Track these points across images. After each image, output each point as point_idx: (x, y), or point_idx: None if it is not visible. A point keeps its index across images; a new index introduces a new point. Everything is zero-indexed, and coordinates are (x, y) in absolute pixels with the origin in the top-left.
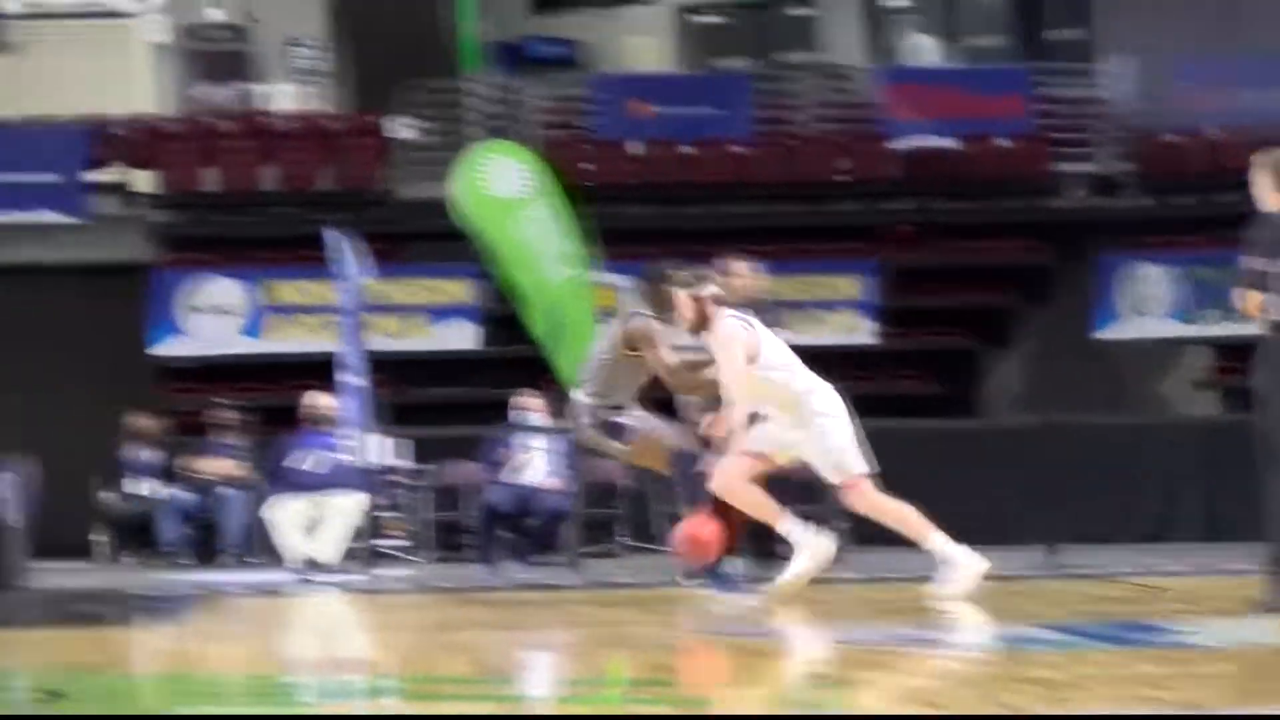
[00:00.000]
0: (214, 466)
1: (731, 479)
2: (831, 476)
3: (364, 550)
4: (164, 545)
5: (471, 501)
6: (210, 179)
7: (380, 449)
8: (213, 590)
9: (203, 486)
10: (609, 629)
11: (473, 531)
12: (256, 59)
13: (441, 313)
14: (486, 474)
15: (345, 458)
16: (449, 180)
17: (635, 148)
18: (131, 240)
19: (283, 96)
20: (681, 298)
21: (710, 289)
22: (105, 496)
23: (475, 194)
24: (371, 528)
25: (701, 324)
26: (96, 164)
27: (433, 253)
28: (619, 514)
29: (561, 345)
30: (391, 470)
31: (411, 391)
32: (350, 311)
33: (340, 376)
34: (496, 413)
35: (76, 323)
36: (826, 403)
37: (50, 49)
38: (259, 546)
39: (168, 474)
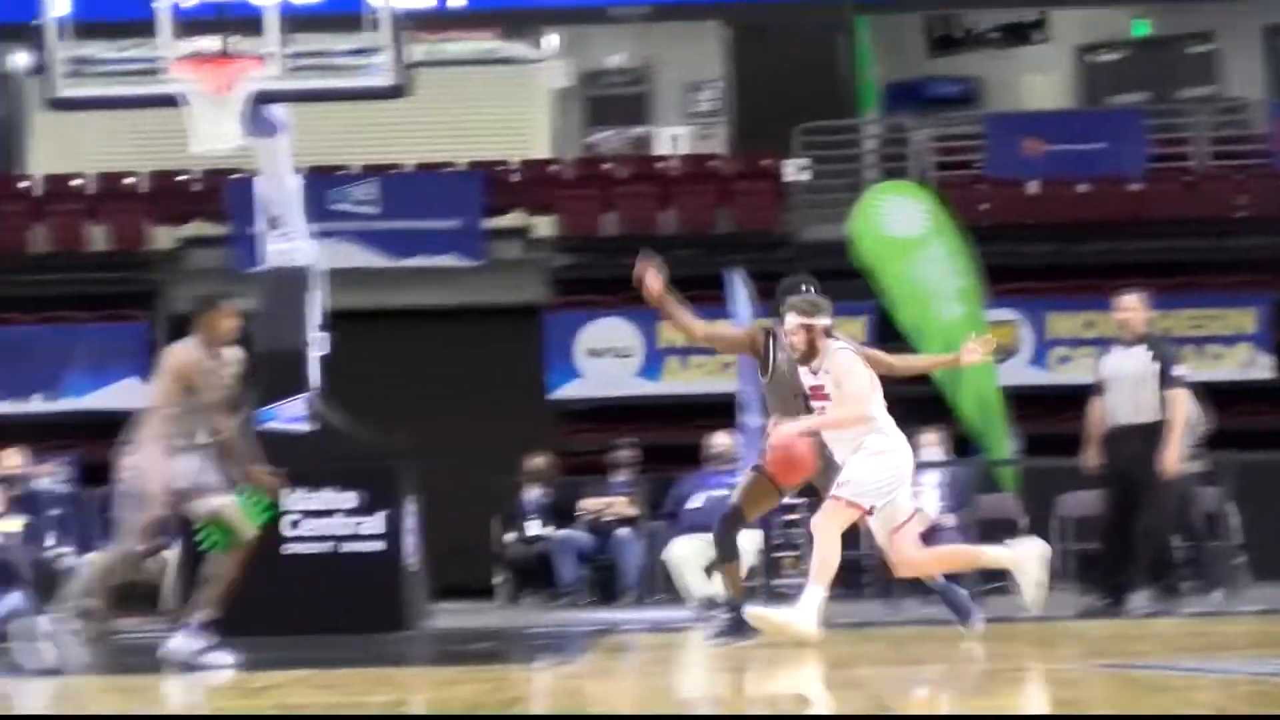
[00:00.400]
0: (611, 507)
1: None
2: (833, 488)
3: (762, 588)
4: (562, 585)
5: (869, 537)
6: (608, 223)
7: None
8: (612, 629)
9: (600, 527)
10: (1005, 663)
11: (870, 569)
12: (654, 103)
13: None
14: None
15: None
16: (846, 220)
17: (1030, 186)
18: (530, 283)
19: (679, 140)
20: (791, 324)
21: (824, 320)
22: (505, 538)
23: (872, 233)
24: (768, 566)
25: (811, 354)
26: (496, 209)
27: (828, 292)
28: None
29: (958, 382)
30: (787, 509)
31: None
32: None
33: (740, 417)
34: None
35: (476, 365)
36: (890, 441)
37: (451, 96)
38: (658, 585)
39: (563, 514)
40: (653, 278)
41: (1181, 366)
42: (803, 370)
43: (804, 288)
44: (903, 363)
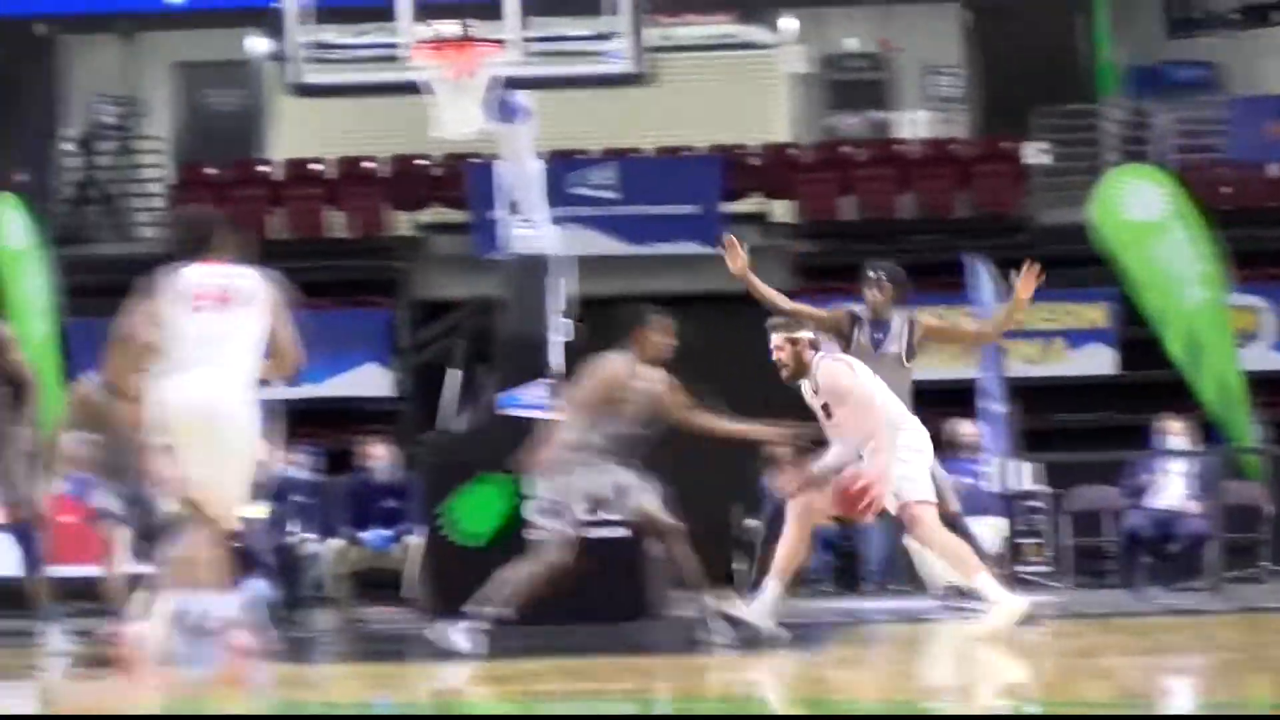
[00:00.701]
0: None
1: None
2: (890, 505)
3: (1005, 576)
4: (805, 573)
5: (1111, 526)
6: (847, 208)
7: (1018, 475)
8: (855, 618)
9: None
10: (1253, 654)
11: (1113, 556)
12: (892, 87)
13: (1079, 338)
14: (1126, 499)
15: (985, 484)
16: (1086, 205)
17: (1272, 169)
18: (769, 269)
19: (918, 124)
20: (775, 340)
21: (806, 334)
22: (747, 524)
23: (1113, 218)
24: (1012, 554)
25: (799, 370)
26: (734, 195)
27: (1069, 278)
28: (1262, 538)
29: (1200, 368)
30: (1030, 496)
31: (1049, 416)
32: None
33: (981, 403)
34: (1131, 437)
35: (714, 351)
36: (913, 438)
37: (688, 81)
38: (902, 574)
39: None
40: (735, 254)
41: None
42: (805, 393)
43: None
44: (980, 326)
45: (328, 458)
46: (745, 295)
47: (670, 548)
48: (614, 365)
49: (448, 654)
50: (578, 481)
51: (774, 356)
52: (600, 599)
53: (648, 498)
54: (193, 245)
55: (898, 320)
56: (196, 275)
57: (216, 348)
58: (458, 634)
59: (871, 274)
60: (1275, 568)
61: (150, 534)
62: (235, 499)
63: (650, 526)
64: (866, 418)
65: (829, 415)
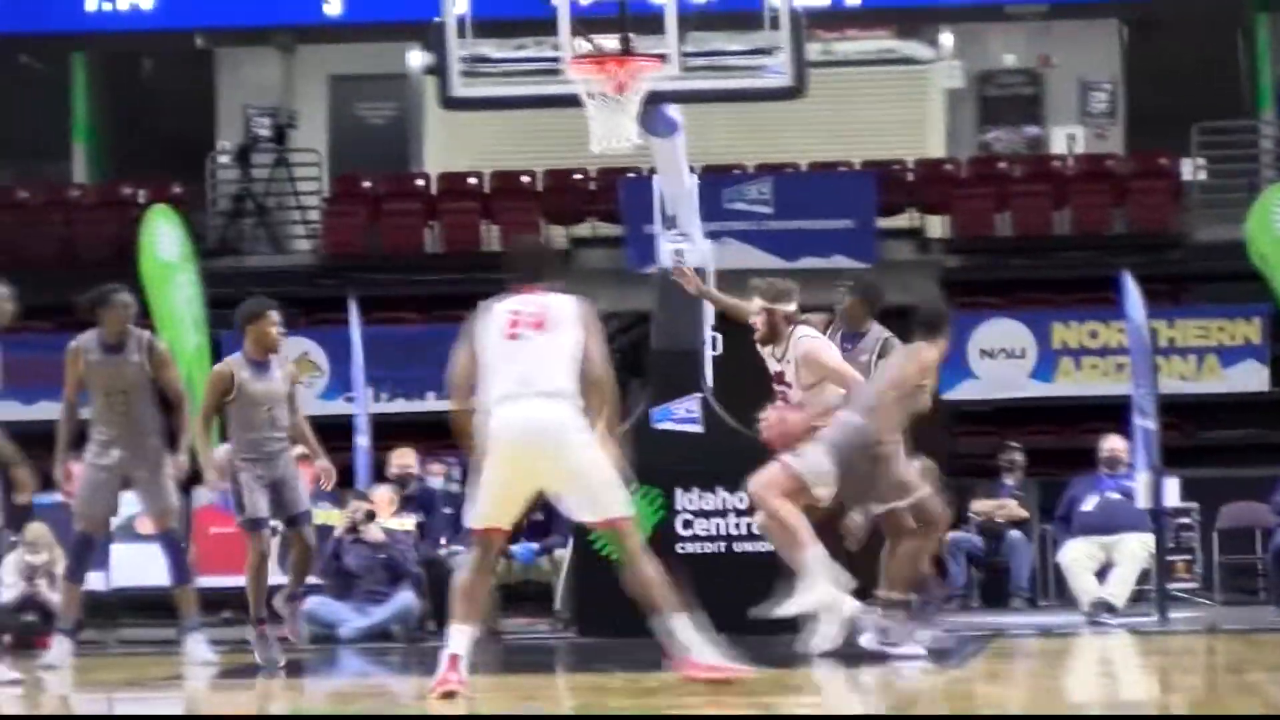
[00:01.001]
0: (1003, 509)
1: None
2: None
3: (1153, 592)
4: (952, 587)
5: (1262, 543)
6: (1001, 224)
7: (1168, 491)
8: (1000, 632)
9: (991, 529)
10: None
11: (1264, 574)
12: (1048, 102)
13: (1231, 354)
14: (1276, 515)
15: (1135, 500)
16: (1241, 221)
17: None
18: (919, 284)
19: (1074, 139)
20: (756, 305)
21: (788, 306)
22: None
23: (1268, 234)
24: (1160, 570)
25: (771, 336)
26: (888, 210)
27: (1223, 294)
28: None
29: None
30: (1179, 512)
31: (1199, 433)
32: (1140, 354)
33: (1132, 419)
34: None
35: None
36: None
37: (844, 96)
38: (1048, 589)
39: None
40: (687, 280)
41: None
42: (766, 354)
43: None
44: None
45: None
46: (895, 309)
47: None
48: (927, 353)
49: (591, 666)
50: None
51: (751, 319)
52: (746, 611)
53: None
54: (526, 274)
55: (873, 335)
56: (512, 304)
57: (538, 372)
58: (868, 636)
59: (843, 287)
60: None
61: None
62: (615, 501)
63: (925, 517)
64: (851, 377)
65: (787, 384)
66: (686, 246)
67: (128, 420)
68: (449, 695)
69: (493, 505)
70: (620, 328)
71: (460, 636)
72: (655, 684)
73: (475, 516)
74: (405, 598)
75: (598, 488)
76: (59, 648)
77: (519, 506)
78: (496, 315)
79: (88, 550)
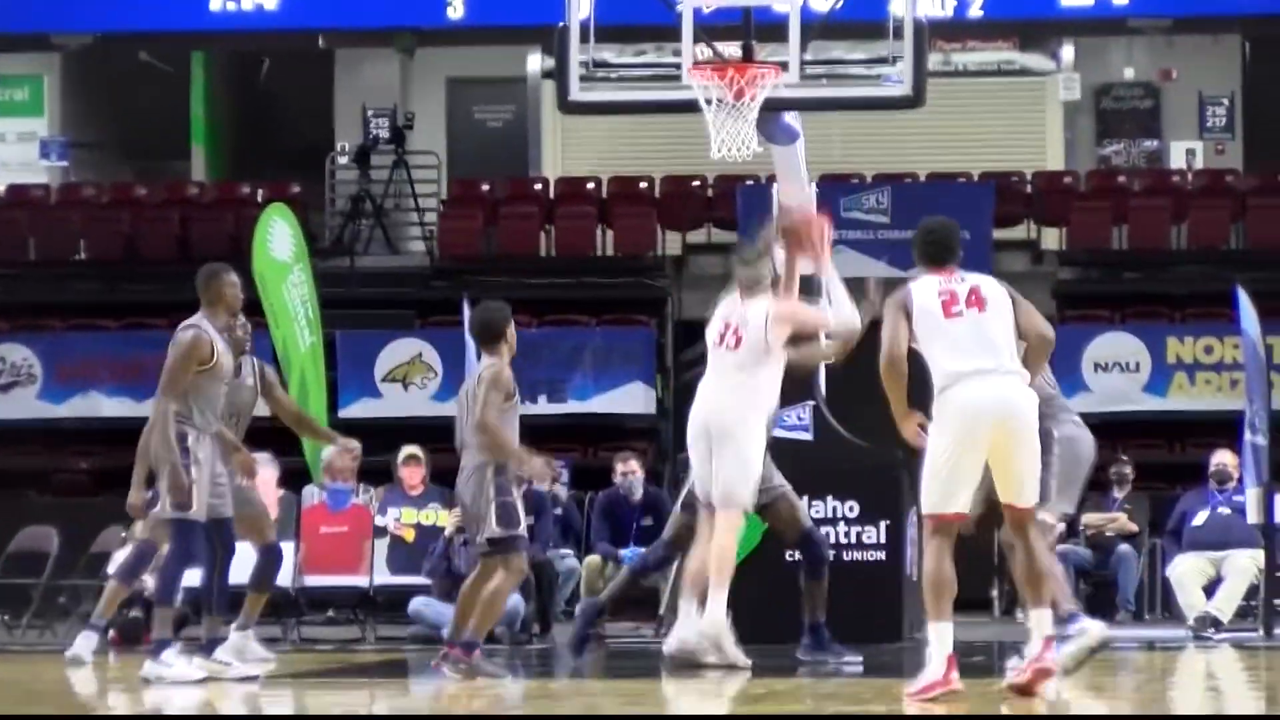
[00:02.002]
0: (1114, 523)
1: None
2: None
3: (1261, 607)
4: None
5: None
6: (1118, 237)
7: (1279, 507)
8: (1108, 645)
9: (1101, 542)
10: None
11: None
12: (1167, 116)
13: None
14: None
15: (1245, 515)
16: None
17: None
18: (1035, 296)
19: (1192, 154)
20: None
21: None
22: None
23: None
24: (1269, 586)
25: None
26: (1005, 221)
27: None
28: None
29: None
30: None
31: None
32: (1254, 370)
33: (1244, 435)
34: None
35: None
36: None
37: (963, 107)
38: (1154, 603)
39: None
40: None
41: None
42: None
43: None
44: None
45: (588, 473)
46: None
47: None
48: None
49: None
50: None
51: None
52: (856, 620)
53: None
54: (945, 256)
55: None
56: (938, 284)
57: (988, 349)
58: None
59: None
60: None
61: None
62: (1034, 491)
63: None
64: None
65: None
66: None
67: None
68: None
69: (957, 486)
70: None
71: (946, 633)
72: (764, 689)
73: (938, 501)
74: (511, 600)
75: (1030, 475)
76: (84, 641)
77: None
78: (925, 294)
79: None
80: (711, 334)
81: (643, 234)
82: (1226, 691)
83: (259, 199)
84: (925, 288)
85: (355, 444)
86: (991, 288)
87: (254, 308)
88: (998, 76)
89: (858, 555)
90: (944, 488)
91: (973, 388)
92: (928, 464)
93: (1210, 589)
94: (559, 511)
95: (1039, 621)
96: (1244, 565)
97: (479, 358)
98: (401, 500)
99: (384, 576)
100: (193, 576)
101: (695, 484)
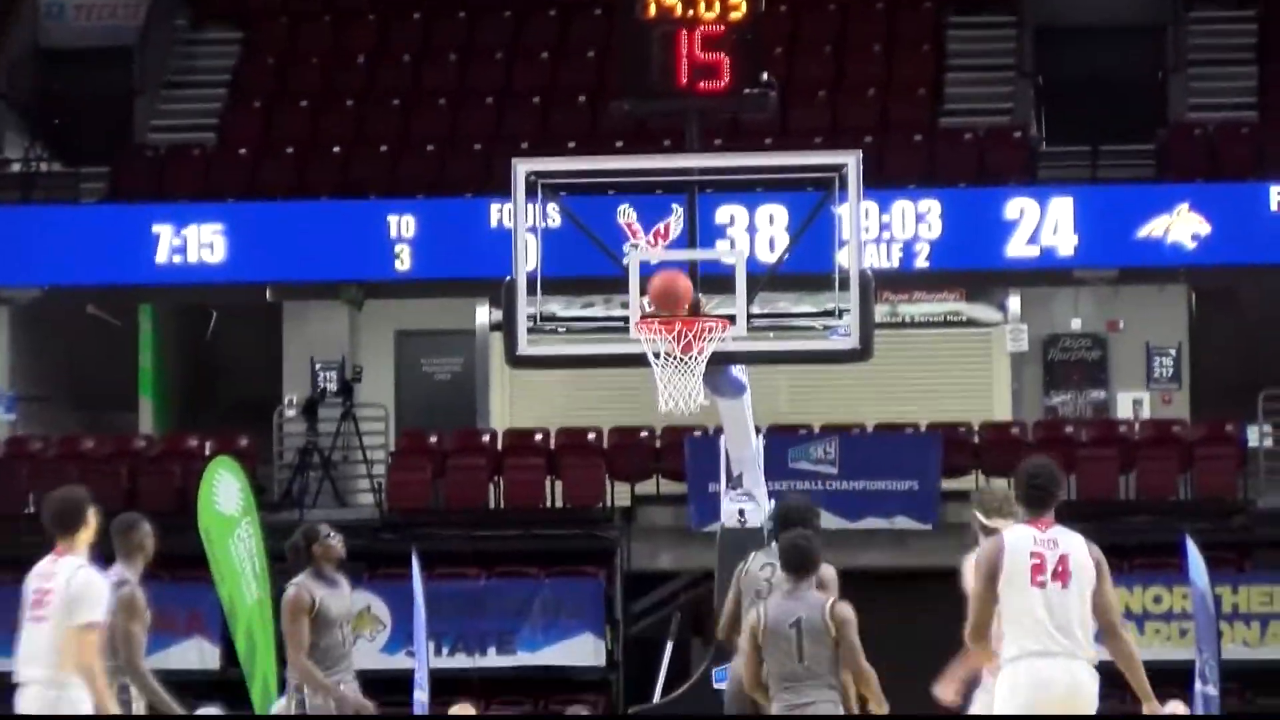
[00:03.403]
0: None
1: None
2: None
3: None
4: None
5: None
6: (1066, 487)
7: None
8: None
9: None
10: None
11: None
12: (1114, 366)
13: None
14: None
15: None
16: None
17: None
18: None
19: (1139, 404)
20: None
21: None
22: None
23: None
24: None
25: None
26: (952, 471)
27: None
28: None
29: None
30: None
31: (1259, 699)
32: (1204, 620)
33: (1194, 685)
34: None
35: (925, 629)
36: None
37: (911, 357)
38: None
39: None
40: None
41: None
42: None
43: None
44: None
45: None
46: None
47: None
48: None
49: None
50: None
51: None
52: None
53: None
54: (1033, 504)
55: None
56: (1031, 541)
57: (1064, 630)
58: None
59: None
60: None
61: None
62: None
63: None
64: None
65: None
66: (750, 506)
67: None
68: None
69: None
70: (683, 586)
71: None
72: None
73: None
74: None
75: None
76: None
77: None
78: (1017, 554)
79: None
80: None
81: (591, 485)
82: None
83: (206, 451)
84: (1019, 544)
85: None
86: (1080, 556)
87: (199, 563)
88: (945, 327)
89: None
90: None
91: (1042, 668)
92: None
93: None
94: None
95: None
96: None
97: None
98: None
99: None
100: None
101: None
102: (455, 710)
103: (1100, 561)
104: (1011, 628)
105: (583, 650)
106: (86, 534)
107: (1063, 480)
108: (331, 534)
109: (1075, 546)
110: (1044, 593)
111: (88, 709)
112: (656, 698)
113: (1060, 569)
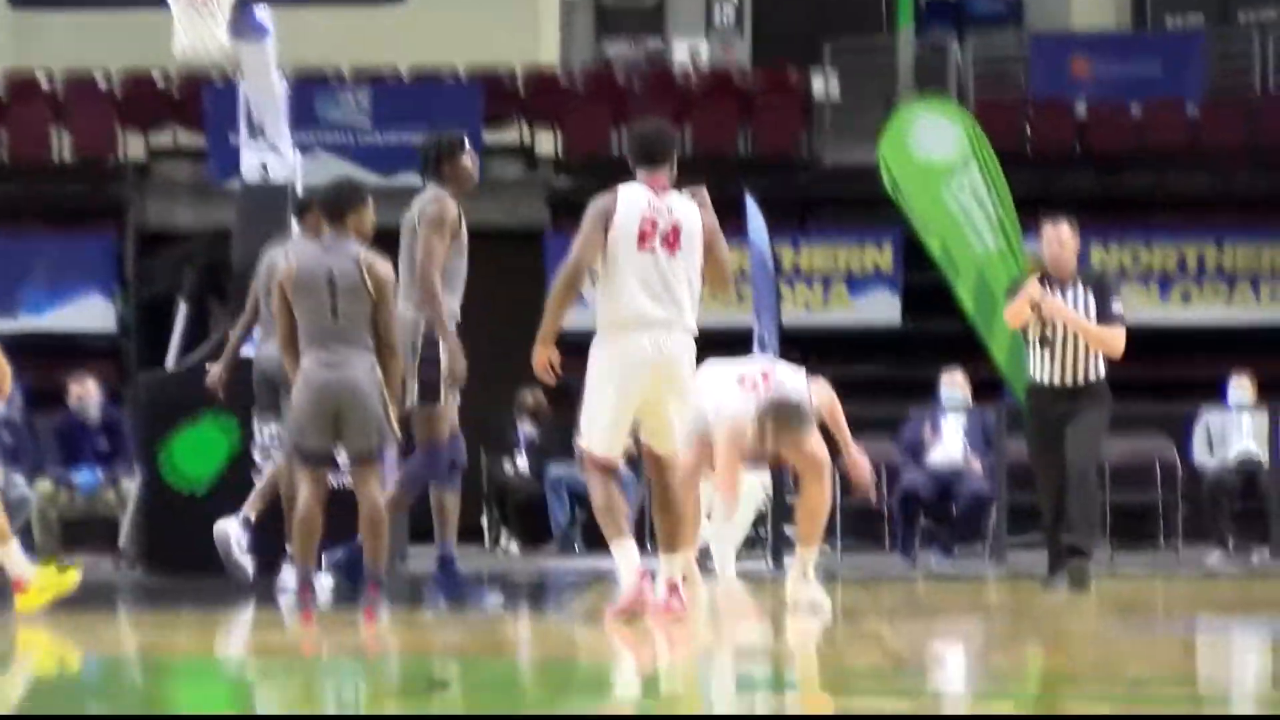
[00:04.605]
0: None
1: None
2: None
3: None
4: (555, 528)
5: (888, 486)
6: (617, 142)
7: None
8: (604, 576)
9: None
10: (1030, 622)
11: (889, 518)
12: (671, 12)
13: (861, 284)
14: (904, 457)
15: None
16: (875, 144)
17: (1077, 110)
18: (527, 205)
19: (697, 53)
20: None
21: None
22: (496, 474)
23: (903, 156)
24: (776, 514)
25: None
26: (494, 122)
27: (855, 219)
28: None
29: (992, 320)
30: None
31: (825, 367)
32: (763, 282)
33: (755, 349)
34: (913, 391)
35: (470, 290)
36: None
37: None
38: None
39: (547, 452)
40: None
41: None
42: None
43: None
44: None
45: (41, 395)
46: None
47: None
48: None
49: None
50: None
51: None
52: None
53: None
54: (652, 159)
55: None
56: (646, 203)
57: (667, 300)
58: None
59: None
60: None
61: None
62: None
63: None
64: None
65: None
66: (273, 159)
67: None
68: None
69: (615, 431)
70: (201, 244)
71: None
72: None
73: (598, 442)
74: None
75: (678, 426)
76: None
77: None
78: (629, 212)
79: None
80: None
81: (100, 137)
82: (743, 629)
83: None
84: (632, 202)
85: None
86: (691, 221)
87: None
88: None
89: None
90: (604, 434)
91: (641, 340)
92: (589, 406)
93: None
94: (6, 436)
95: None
96: (750, 490)
97: None
98: None
99: None
100: None
101: None
102: None
103: (712, 221)
104: (613, 292)
105: (91, 313)
106: None
107: (674, 136)
108: None
109: (687, 213)
110: (649, 257)
111: None
112: (170, 362)
113: (672, 236)
